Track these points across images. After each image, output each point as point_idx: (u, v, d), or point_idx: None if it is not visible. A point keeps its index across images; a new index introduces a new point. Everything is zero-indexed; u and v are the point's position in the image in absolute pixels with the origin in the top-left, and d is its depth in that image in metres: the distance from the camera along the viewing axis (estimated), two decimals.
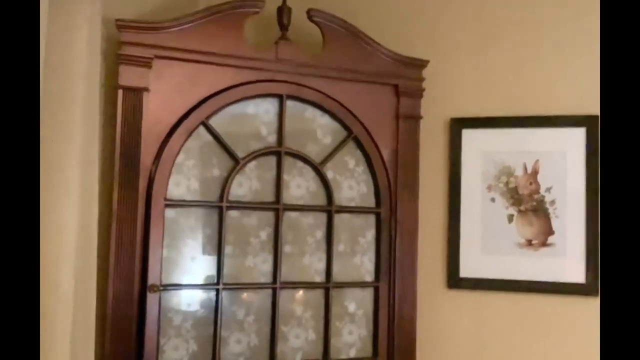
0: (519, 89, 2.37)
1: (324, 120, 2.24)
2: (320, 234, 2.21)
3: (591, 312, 2.22)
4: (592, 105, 2.27)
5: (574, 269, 2.25)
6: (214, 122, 2.07)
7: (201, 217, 2.04)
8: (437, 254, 2.39)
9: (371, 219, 2.28)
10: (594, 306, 2.22)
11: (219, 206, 2.05)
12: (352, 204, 2.26)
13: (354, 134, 2.26)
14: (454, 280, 2.36)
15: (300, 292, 2.17)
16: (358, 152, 2.28)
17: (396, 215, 2.28)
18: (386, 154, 2.29)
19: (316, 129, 2.24)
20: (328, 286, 2.19)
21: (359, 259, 2.26)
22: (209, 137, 2.07)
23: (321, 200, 2.22)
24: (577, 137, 2.29)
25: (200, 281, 2.03)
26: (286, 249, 2.15)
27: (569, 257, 2.27)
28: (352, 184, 2.27)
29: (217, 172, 2.07)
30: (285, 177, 2.16)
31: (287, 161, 2.16)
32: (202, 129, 2.06)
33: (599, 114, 2.26)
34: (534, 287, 2.29)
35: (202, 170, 2.05)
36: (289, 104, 2.18)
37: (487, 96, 2.40)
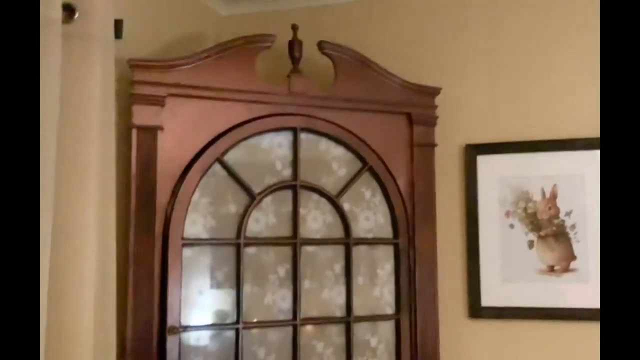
0: (534, 113, 2.36)
1: (339, 151, 2.22)
2: (338, 267, 2.18)
3: None
4: None
5: (598, 295, 2.20)
6: (228, 158, 2.05)
7: (219, 255, 2.01)
8: (457, 283, 2.35)
9: (389, 250, 2.25)
10: None
11: (237, 243, 2.02)
12: (370, 236, 2.23)
13: (369, 165, 2.23)
14: (476, 310, 2.32)
15: (321, 328, 2.13)
16: (374, 183, 2.26)
17: (414, 246, 2.24)
18: (402, 183, 2.26)
19: (331, 160, 2.21)
20: (349, 320, 2.15)
21: (378, 291, 2.23)
22: (224, 173, 2.05)
23: (338, 232, 2.19)
24: (594, 160, 2.26)
25: (219, 320, 1.99)
26: (305, 284, 2.11)
27: (592, 282, 2.23)
28: (369, 215, 2.24)
29: (233, 208, 2.05)
30: (302, 210, 2.13)
31: (303, 194, 2.14)
32: (217, 165, 2.04)
33: None
34: (558, 314, 2.25)
35: (218, 207, 2.03)
36: (303, 136, 2.16)
37: (501, 121, 2.38)
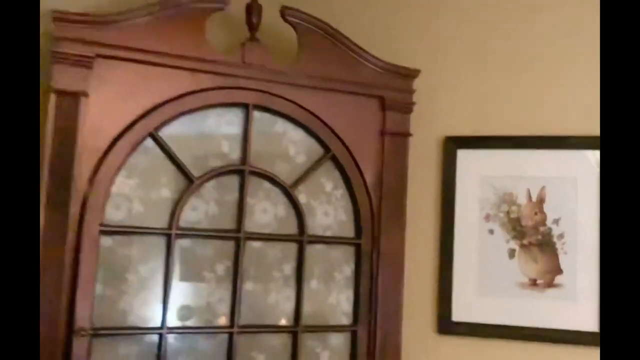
0: (523, 105, 2.08)
1: (297, 135, 1.94)
2: (289, 267, 1.89)
3: None
4: None
5: (586, 315, 1.93)
6: (165, 134, 1.76)
7: (145, 246, 1.72)
8: (426, 293, 2.07)
9: (350, 252, 1.97)
10: None
11: (167, 234, 1.73)
12: (328, 234, 1.95)
13: (332, 152, 1.95)
14: (446, 325, 2.04)
15: (263, 337, 1.84)
16: (336, 174, 1.98)
17: (379, 248, 1.96)
18: (369, 176, 1.98)
19: (287, 145, 1.93)
20: (296, 330, 1.86)
21: (334, 298, 1.94)
22: (157, 152, 1.76)
23: (291, 228, 1.90)
24: (589, 161, 1.98)
25: (141, 323, 1.69)
26: (247, 285, 1.82)
27: (579, 300, 1.95)
28: (329, 210, 1.96)
29: (166, 193, 1.76)
30: (249, 200, 1.84)
31: (252, 182, 1.85)
32: (150, 142, 1.75)
33: None
34: (539, 334, 1.97)
35: (149, 190, 1.74)
36: (256, 115, 1.87)
37: (486, 112, 2.10)
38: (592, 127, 1.98)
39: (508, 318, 1.99)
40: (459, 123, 2.11)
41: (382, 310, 1.95)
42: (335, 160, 1.96)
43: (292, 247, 1.90)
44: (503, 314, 2.00)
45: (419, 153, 2.08)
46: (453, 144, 2.09)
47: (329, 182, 1.97)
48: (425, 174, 2.11)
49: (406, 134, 2.04)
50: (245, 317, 1.80)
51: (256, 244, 1.85)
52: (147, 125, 1.73)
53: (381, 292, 1.95)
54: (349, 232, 1.97)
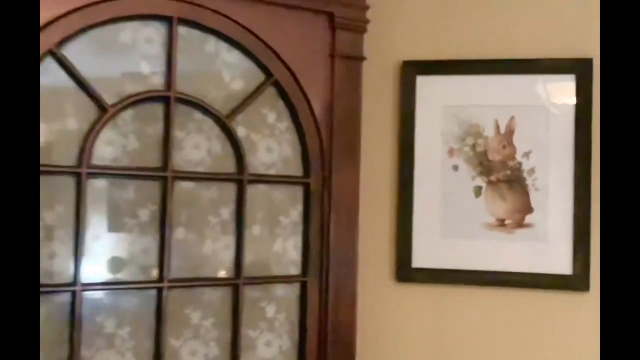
0: (491, 25, 1.85)
1: (233, 57, 1.65)
2: (227, 212, 1.63)
3: (580, 310, 1.75)
4: (584, 46, 1.77)
5: (558, 257, 1.76)
6: (69, 52, 1.44)
7: (51, 187, 1.42)
8: (384, 238, 1.86)
9: (297, 192, 1.72)
10: (584, 303, 1.75)
11: (77, 172, 1.44)
12: (272, 172, 1.70)
13: (274, 78, 1.68)
14: (405, 272, 1.84)
15: (198, 292, 1.59)
16: (280, 103, 1.71)
17: (330, 188, 1.72)
18: (318, 105, 1.73)
19: (221, 69, 1.64)
20: (237, 283, 1.62)
21: (280, 246, 1.70)
22: (61, 75, 1.44)
23: (229, 166, 1.63)
24: (564, 88, 1.79)
25: (49, 280, 1.41)
26: (178, 232, 1.56)
27: (551, 241, 1.77)
28: (272, 145, 1.70)
29: (73, 123, 1.45)
30: (177, 133, 1.56)
31: (180, 111, 1.56)
32: (50, 61, 1.43)
33: (592, 58, 1.75)
34: (508, 279, 1.79)
35: (51, 121, 1.43)
36: (183, 31, 1.57)
37: (449, 33, 1.86)
38: (566, 49, 1.78)
39: (474, 262, 1.81)
40: (419, 45, 1.87)
41: (335, 258, 1.72)
42: (278, 87, 1.70)
43: (230, 188, 1.64)
44: (468, 258, 1.81)
45: (373, 80, 1.85)
46: (412, 70, 1.85)
47: (271, 112, 1.70)
48: (381, 104, 1.87)
49: (359, 58, 1.78)
50: (177, 269, 1.54)
51: (187, 185, 1.58)
52: (46, 41, 1.41)
53: (333, 237, 1.72)
54: (296, 170, 1.73)
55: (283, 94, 1.70)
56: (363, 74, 1.79)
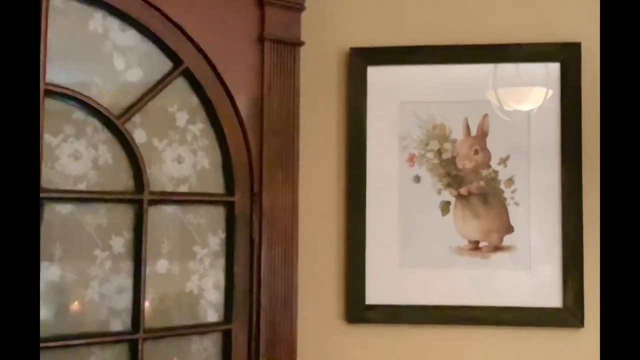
0: (457, 4, 1.54)
1: (128, 38, 1.27)
2: (119, 243, 1.23)
3: (573, 351, 1.46)
4: (570, 30, 1.49)
5: (545, 286, 1.47)
6: None
7: None
8: (330, 269, 1.51)
9: (218, 215, 1.36)
10: (578, 342, 1.46)
11: None
12: (183, 189, 1.32)
13: (185, 66, 1.31)
14: (357, 311, 1.50)
15: (81, 351, 1.18)
16: (194, 99, 1.35)
17: (261, 208, 1.36)
18: (243, 102, 1.37)
19: (112, 53, 1.25)
20: (136, 338, 1.22)
21: (195, 285, 1.32)
22: None
23: (123, 182, 1.24)
24: (547, 78, 1.49)
25: None
26: (52, 271, 1.15)
27: (536, 267, 1.48)
28: (183, 153, 1.33)
29: None
30: (49, 138, 1.16)
31: (52, 108, 1.16)
32: None
33: (580, 42, 1.45)
34: (483, 316, 1.48)
35: None
36: (57, 3, 1.18)
37: (407, 14, 1.56)
38: (549, 32, 1.47)
39: (441, 296, 1.50)
40: (370, 29, 1.56)
41: (268, 297, 1.36)
42: (190, 78, 1.33)
43: (125, 211, 1.24)
44: (434, 291, 1.50)
45: (314, 71, 1.52)
46: (361, 59, 1.54)
47: (181, 111, 1.33)
48: (323, 101, 1.54)
49: (295, 43, 1.43)
50: (48, 323, 1.13)
51: (63, 208, 1.18)
52: None
53: (266, 271, 1.37)
54: (216, 186, 1.36)
55: (197, 87, 1.33)
56: (301, 63, 1.44)
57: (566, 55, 1.45)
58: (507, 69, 1.48)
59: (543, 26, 1.48)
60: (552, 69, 1.46)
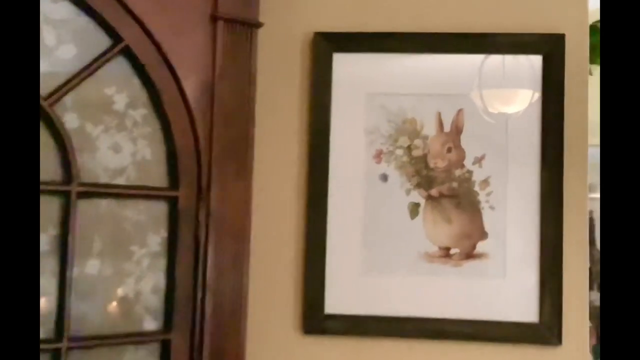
0: None
1: (61, 10, 1.14)
2: (43, 239, 1.09)
3: None
4: (553, 19, 1.35)
5: (521, 298, 1.33)
6: None
7: None
8: (285, 274, 1.36)
9: (160, 211, 1.21)
10: None
11: None
12: (120, 181, 1.18)
13: (125, 44, 1.17)
14: (316, 321, 1.36)
15: None
16: (135, 81, 1.21)
17: (209, 204, 1.22)
18: (192, 86, 1.23)
19: (42, 27, 1.11)
20: (59, 347, 1.08)
21: (131, 289, 1.18)
22: None
23: (50, 171, 1.10)
24: (528, 72, 1.36)
25: None
26: None
27: (511, 277, 1.34)
28: (121, 141, 1.19)
29: None
30: None
31: None
32: None
33: (564, 33, 1.33)
34: (452, 329, 1.34)
35: None
36: None
37: None
38: (531, 21, 1.35)
39: (407, 306, 1.36)
40: (337, 12, 1.41)
41: (215, 304, 1.22)
42: (131, 57, 1.19)
43: (51, 204, 1.10)
44: (400, 301, 1.36)
45: (273, 56, 1.38)
46: (326, 45, 1.40)
47: (120, 94, 1.19)
48: (284, 89, 1.40)
49: (253, 24, 1.29)
50: None
51: None
52: None
53: (213, 274, 1.22)
54: (158, 179, 1.22)
55: (139, 69, 1.19)
56: (259, 46, 1.30)
57: (550, 46, 1.33)
58: (484, 60, 1.35)
59: (525, 16, 1.36)
60: (534, 62, 1.34)
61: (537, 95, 1.33)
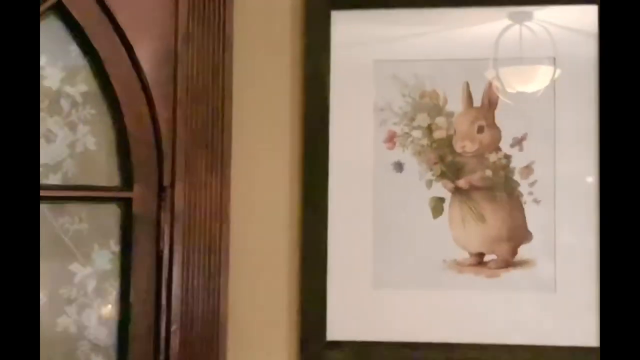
0: None
1: None
2: None
3: None
4: None
5: (576, 316, 1.09)
6: None
7: None
8: (277, 292, 1.12)
9: (109, 217, 1.00)
10: None
11: None
12: (55, 180, 0.97)
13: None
14: (316, 349, 1.12)
15: None
16: (73, 49, 0.97)
17: (173, 208, 0.99)
18: (148, 54, 1.02)
19: None
20: None
21: (71, 321, 0.96)
22: None
23: None
24: (579, 27, 1.10)
25: None
26: None
27: (564, 289, 1.10)
28: (56, 128, 0.96)
29: None
30: None
31: None
32: None
33: None
34: (489, 358, 1.10)
35: None
36: None
37: None
38: None
39: (429, 330, 1.11)
40: None
41: (183, 335, 0.99)
42: (66, 18, 0.95)
43: None
44: (420, 324, 1.12)
45: (256, 16, 1.14)
46: (323, 1, 1.15)
47: (53, 67, 0.96)
48: (270, 57, 1.16)
49: None
50: None
51: None
52: None
53: (180, 297, 0.97)
54: (106, 176, 0.99)
55: (77, 31, 0.96)
56: (236, 3, 1.04)
57: None
58: (523, 13, 1.09)
59: None
60: (588, 13, 1.08)
61: (559, 72, 1.08)
